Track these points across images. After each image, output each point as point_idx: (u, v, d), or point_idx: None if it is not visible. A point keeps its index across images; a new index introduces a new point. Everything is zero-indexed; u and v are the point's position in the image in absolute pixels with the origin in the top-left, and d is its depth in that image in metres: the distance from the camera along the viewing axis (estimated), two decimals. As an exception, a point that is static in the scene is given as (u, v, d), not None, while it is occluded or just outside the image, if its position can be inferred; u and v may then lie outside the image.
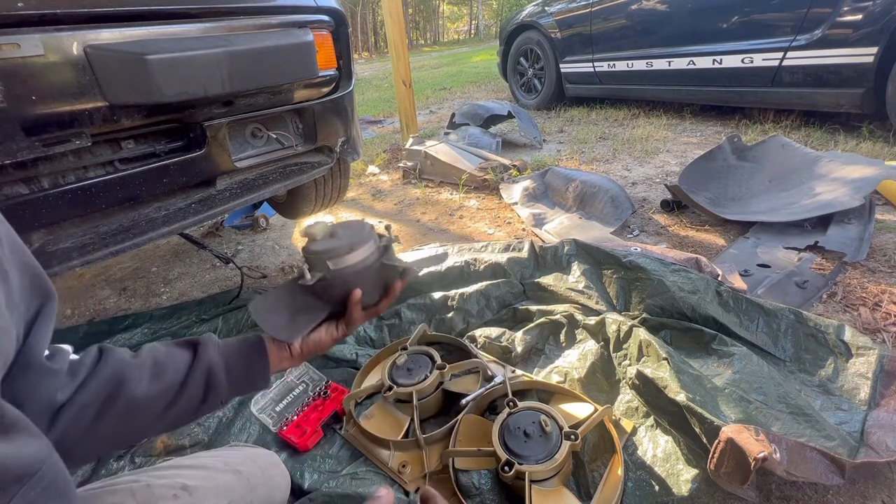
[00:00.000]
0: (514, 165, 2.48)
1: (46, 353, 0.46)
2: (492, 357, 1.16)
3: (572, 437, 0.82)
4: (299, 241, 2.12)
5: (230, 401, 0.61)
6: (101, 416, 0.47)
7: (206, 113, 1.08)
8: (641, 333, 1.06)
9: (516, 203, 2.16)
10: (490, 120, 3.49)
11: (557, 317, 1.22)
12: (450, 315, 1.31)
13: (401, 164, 2.85)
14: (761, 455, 0.68)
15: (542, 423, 0.85)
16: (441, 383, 1.04)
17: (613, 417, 0.94)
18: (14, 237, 0.43)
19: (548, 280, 1.38)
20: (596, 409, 0.91)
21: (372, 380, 1.12)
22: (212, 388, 0.55)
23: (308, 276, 0.60)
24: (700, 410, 0.82)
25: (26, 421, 0.32)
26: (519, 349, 1.15)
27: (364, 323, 0.75)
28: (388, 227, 0.72)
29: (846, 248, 1.44)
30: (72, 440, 0.46)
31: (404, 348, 1.12)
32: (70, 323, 1.61)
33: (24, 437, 0.31)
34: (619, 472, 0.82)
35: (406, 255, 1.65)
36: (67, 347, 0.50)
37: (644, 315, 1.18)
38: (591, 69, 3.71)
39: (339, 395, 1.08)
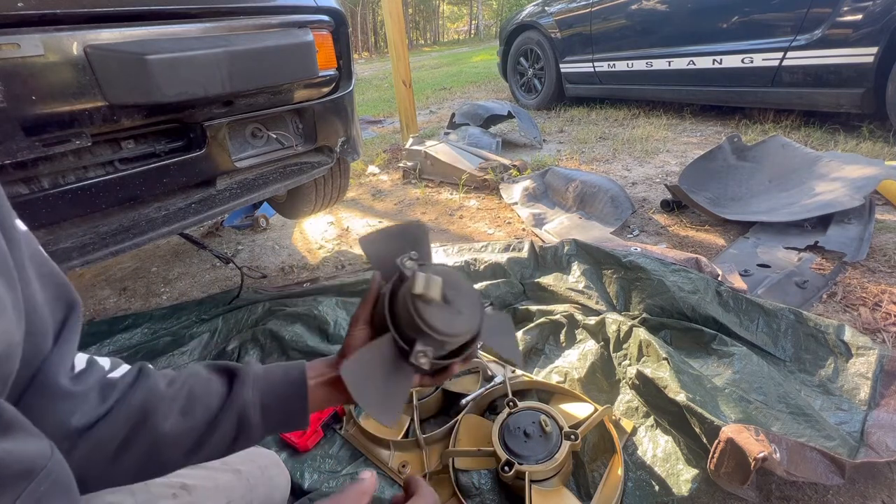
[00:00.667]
0: (514, 165, 2.48)
1: (76, 368, 0.43)
2: (492, 357, 1.16)
3: (572, 437, 0.82)
4: (299, 238, 2.13)
5: (262, 439, 0.56)
6: (126, 447, 0.44)
7: (206, 113, 1.08)
8: (641, 333, 1.06)
9: (516, 203, 2.16)
10: (490, 120, 3.49)
11: (557, 317, 1.22)
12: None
13: (401, 164, 2.85)
14: (761, 455, 0.68)
15: (542, 423, 0.85)
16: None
17: (613, 417, 0.94)
18: (35, 246, 0.41)
19: (548, 280, 1.38)
20: (596, 409, 0.91)
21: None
22: (244, 430, 0.51)
23: (424, 359, 0.49)
24: (700, 410, 0.82)
25: (25, 420, 0.32)
26: (519, 349, 1.15)
27: None
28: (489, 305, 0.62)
29: (846, 248, 1.44)
30: (93, 468, 0.43)
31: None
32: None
33: (24, 436, 0.31)
34: (619, 472, 0.82)
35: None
36: (104, 364, 0.47)
37: (644, 315, 1.18)
38: (591, 69, 3.71)
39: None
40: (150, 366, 0.51)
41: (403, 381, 0.53)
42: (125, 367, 0.49)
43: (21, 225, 0.39)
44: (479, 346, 0.56)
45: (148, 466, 0.47)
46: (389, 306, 0.53)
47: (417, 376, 0.57)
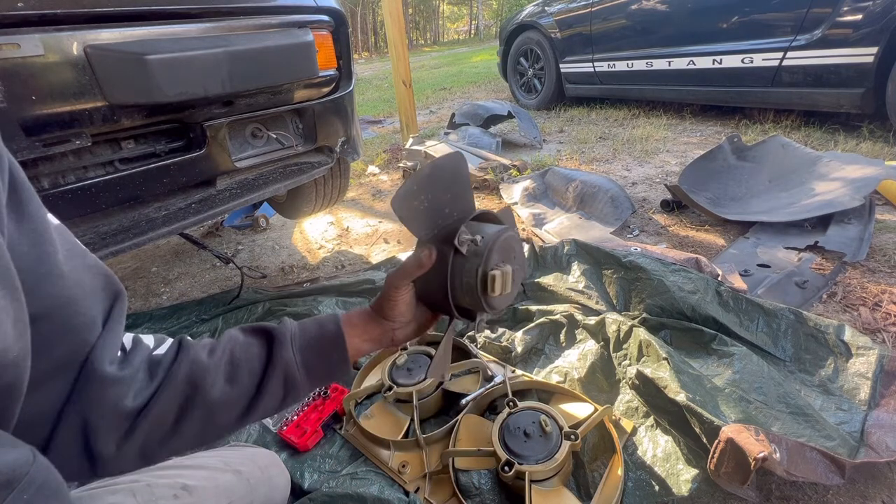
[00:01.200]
0: (514, 165, 2.48)
1: (120, 353, 0.45)
2: (492, 357, 1.16)
3: (572, 437, 0.82)
4: (299, 237, 2.13)
5: (311, 392, 0.59)
6: (181, 420, 0.46)
7: (207, 113, 1.08)
8: (641, 333, 1.06)
9: (516, 203, 2.16)
10: (490, 120, 3.49)
11: (557, 317, 1.22)
12: (450, 315, 1.31)
13: (401, 164, 2.85)
14: (761, 455, 0.68)
15: (542, 423, 0.85)
16: (441, 383, 1.04)
17: (613, 417, 0.94)
18: (72, 240, 0.42)
19: (548, 280, 1.38)
20: (596, 409, 0.91)
21: (372, 380, 1.12)
22: (291, 389, 0.53)
23: (483, 327, 0.53)
24: (700, 410, 0.82)
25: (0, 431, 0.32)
26: (519, 349, 1.15)
27: None
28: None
29: (846, 248, 1.44)
30: (156, 442, 0.45)
31: (404, 348, 1.12)
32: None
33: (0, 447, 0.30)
34: (619, 472, 0.82)
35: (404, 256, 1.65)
36: (148, 342, 0.49)
37: (644, 315, 1.18)
38: (591, 69, 3.71)
39: (339, 394, 1.08)
40: (189, 338, 0.52)
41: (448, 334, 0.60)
42: (168, 343, 0.50)
43: (53, 219, 0.40)
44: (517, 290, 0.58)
45: (206, 433, 0.49)
46: (451, 280, 0.54)
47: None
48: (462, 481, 0.87)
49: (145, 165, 1.03)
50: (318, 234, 2.20)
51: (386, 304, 0.57)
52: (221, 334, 0.54)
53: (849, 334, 1.03)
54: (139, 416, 0.43)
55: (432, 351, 1.10)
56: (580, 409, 0.93)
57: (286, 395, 0.53)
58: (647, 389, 0.94)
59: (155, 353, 0.48)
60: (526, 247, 1.51)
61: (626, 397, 0.99)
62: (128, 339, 0.47)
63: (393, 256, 1.78)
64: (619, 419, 0.95)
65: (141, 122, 1.00)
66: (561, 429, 0.85)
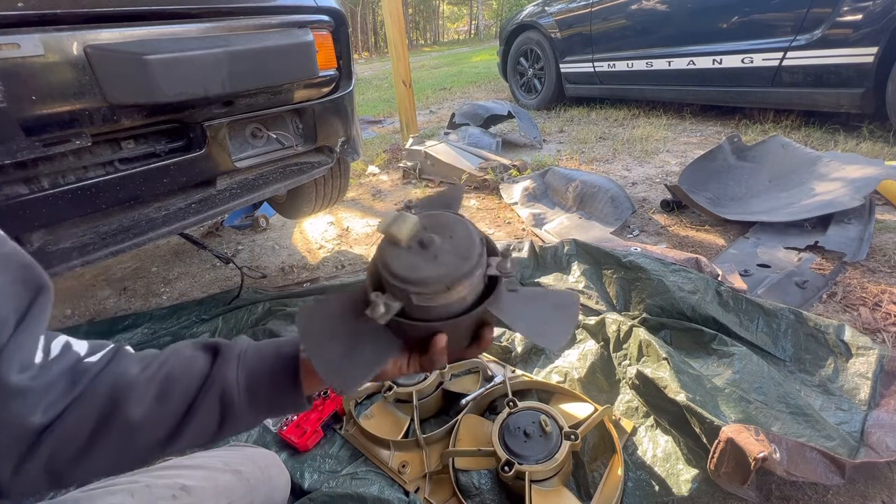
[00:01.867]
0: (514, 165, 2.48)
1: (49, 354, 0.40)
2: (492, 357, 1.16)
3: (572, 437, 0.82)
4: (298, 237, 2.13)
5: (260, 423, 0.50)
6: (95, 439, 0.41)
7: (206, 113, 1.08)
8: (641, 333, 1.06)
9: (516, 203, 2.16)
10: (490, 120, 3.49)
11: (557, 317, 1.22)
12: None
13: (401, 164, 2.85)
14: (761, 455, 0.68)
15: (542, 423, 0.85)
16: (441, 383, 1.04)
17: (613, 417, 0.94)
18: None
19: (548, 280, 1.38)
20: (596, 409, 0.91)
21: (372, 380, 1.12)
22: (228, 413, 0.46)
23: (380, 309, 0.40)
24: (700, 410, 0.82)
25: None
26: (519, 349, 1.15)
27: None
28: (505, 250, 0.46)
29: (846, 248, 1.44)
30: (66, 463, 0.40)
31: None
32: (70, 323, 1.61)
33: None
34: (619, 472, 0.82)
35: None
36: (80, 348, 0.43)
37: (644, 315, 1.18)
38: (591, 69, 3.71)
39: (339, 394, 1.08)
40: (129, 347, 0.47)
41: (379, 348, 0.44)
42: (103, 351, 0.45)
43: None
44: (474, 312, 0.43)
45: (124, 457, 0.43)
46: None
47: (405, 357, 0.49)
48: (462, 481, 0.87)
49: (145, 165, 1.03)
50: (318, 234, 2.20)
51: None
52: (171, 346, 0.49)
53: (849, 334, 1.03)
54: (45, 432, 0.38)
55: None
56: (580, 409, 0.93)
57: (222, 421, 0.46)
58: (647, 389, 0.94)
59: (85, 360, 0.43)
60: (526, 246, 1.51)
61: (626, 397, 0.99)
62: (58, 343, 0.42)
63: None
64: (619, 419, 0.95)
65: (141, 122, 0.99)
66: (561, 429, 0.85)
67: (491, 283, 0.45)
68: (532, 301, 0.49)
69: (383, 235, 0.42)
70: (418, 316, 0.42)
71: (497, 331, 1.21)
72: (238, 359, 0.48)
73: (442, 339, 0.44)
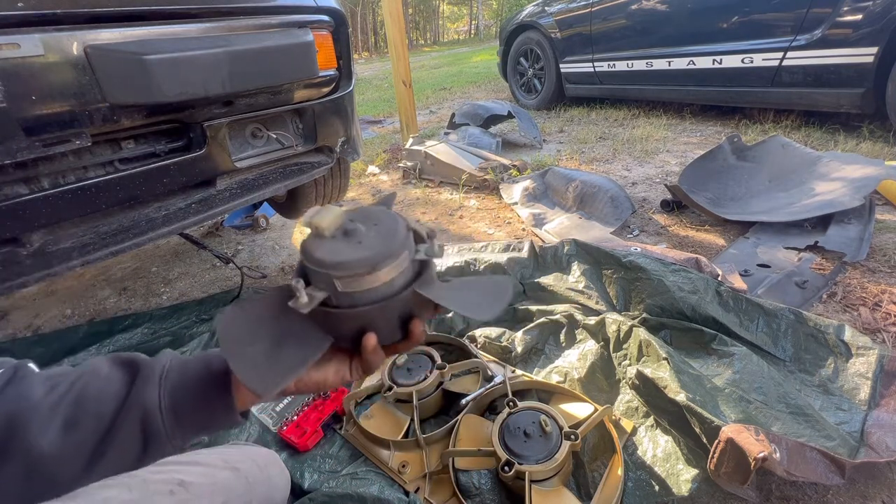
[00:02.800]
0: (514, 165, 2.48)
1: None
2: (492, 357, 1.16)
3: (572, 437, 0.82)
4: (298, 237, 2.13)
5: (191, 443, 0.46)
6: None
7: (207, 113, 1.08)
8: (641, 333, 1.06)
9: (516, 203, 2.16)
10: (490, 120, 3.49)
11: (557, 317, 1.22)
12: (450, 315, 1.31)
13: (401, 164, 2.85)
14: (761, 455, 0.68)
15: (542, 423, 0.85)
16: (441, 383, 1.04)
17: (613, 417, 0.94)
18: None
19: (548, 280, 1.38)
20: (596, 409, 0.91)
21: (372, 380, 1.12)
22: (152, 438, 0.42)
23: (303, 297, 0.39)
24: (700, 410, 0.82)
25: None
26: (519, 349, 1.15)
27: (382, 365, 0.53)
28: (431, 232, 0.47)
29: (846, 248, 1.44)
30: None
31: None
32: (70, 323, 1.61)
33: None
34: (619, 472, 0.82)
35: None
36: None
37: (644, 315, 1.18)
38: (591, 69, 3.71)
39: (339, 395, 1.08)
40: (32, 366, 0.42)
41: (305, 347, 0.42)
42: (2, 370, 0.41)
43: None
44: (402, 295, 0.43)
45: (32, 489, 0.39)
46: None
47: (346, 364, 0.47)
48: (462, 481, 0.87)
49: (145, 165, 1.03)
50: (318, 234, 2.20)
51: None
52: (85, 362, 0.44)
53: (849, 334, 1.03)
54: None
55: (433, 351, 1.10)
56: (580, 409, 0.93)
57: (146, 447, 0.42)
58: (647, 389, 0.94)
59: None
60: (526, 246, 1.51)
61: (626, 397, 0.99)
62: None
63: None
64: (619, 419, 0.95)
65: (141, 122, 1.00)
66: (561, 429, 0.85)
67: (421, 271, 0.45)
68: (464, 286, 0.49)
69: (310, 228, 0.42)
70: (345, 303, 0.42)
71: (495, 332, 1.21)
72: (160, 377, 0.44)
73: (372, 338, 0.43)
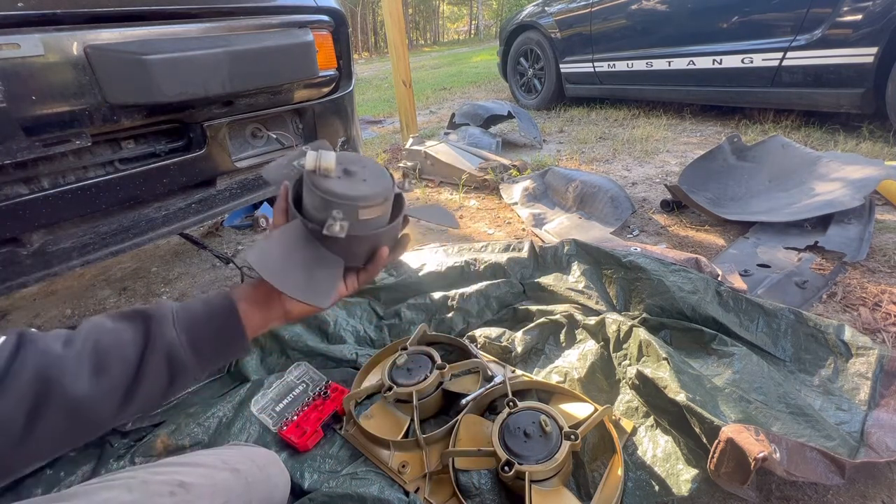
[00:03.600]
0: (514, 165, 2.48)
1: None
2: (492, 357, 1.16)
3: (572, 437, 0.82)
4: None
5: (205, 374, 0.53)
6: (34, 423, 0.40)
7: (207, 113, 1.08)
8: (641, 333, 1.06)
9: (516, 203, 2.16)
10: (490, 120, 3.49)
11: (557, 317, 1.22)
12: (450, 315, 1.31)
13: (401, 164, 2.85)
14: (761, 455, 0.68)
15: (542, 423, 0.85)
16: (441, 383, 1.04)
17: (613, 417, 0.94)
18: None
19: (548, 280, 1.38)
20: (596, 409, 0.91)
21: (372, 380, 1.12)
22: (178, 372, 0.48)
23: (337, 225, 0.47)
24: (700, 410, 0.82)
25: None
26: (519, 349, 1.15)
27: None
28: (405, 177, 0.61)
29: (846, 248, 1.44)
30: (5, 453, 0.39)
31: (404, 348, 1.12)
32: (70, 323, 1.61)
33: None
34: (619, 472, 0.82)
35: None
36: None
37: (644, 315, 1.18)
38: (591, 69, 3.71)
39: (339, 395, 1.08)
40: (34, 329, 0.46)
41: (330, 267, 0.51)
42: (3, 338, 0.43)
43: None
44: (400, 218, 0.56)
45: (73, 433, 0.43)
46: (296, 199, 0.54)
47: (353, 276, 0.57)
48: (462, 481, 0.87)
49: (145, 165, 1.03)
50: (318, 234, 2.20)
51: None
52: (82, 323, 0.48)
53: (849, 334, 1.03)
54: None
55: (433, 351, 1.10)
56: (580, 409, 0.93)
57: (173, 379, 0.48)
58: (647, 389, 0.94)
59: None
60: (526, 246, 1.51)
61: (626, 397, 0.99)
62: None
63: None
64: (619, 419, 0.95)
65: (141, 122, 1.00)
66: (561, 429, 0.85)
67: (397, 202, 0.58)
68: (430, 207, 0.67)
69: (312, 170, 0.49)
70: (361, 231, 0.52)
71: (495, 332, 1.21)
72: (173, 320, 0.49)
73: (385, 250, 0.55)
